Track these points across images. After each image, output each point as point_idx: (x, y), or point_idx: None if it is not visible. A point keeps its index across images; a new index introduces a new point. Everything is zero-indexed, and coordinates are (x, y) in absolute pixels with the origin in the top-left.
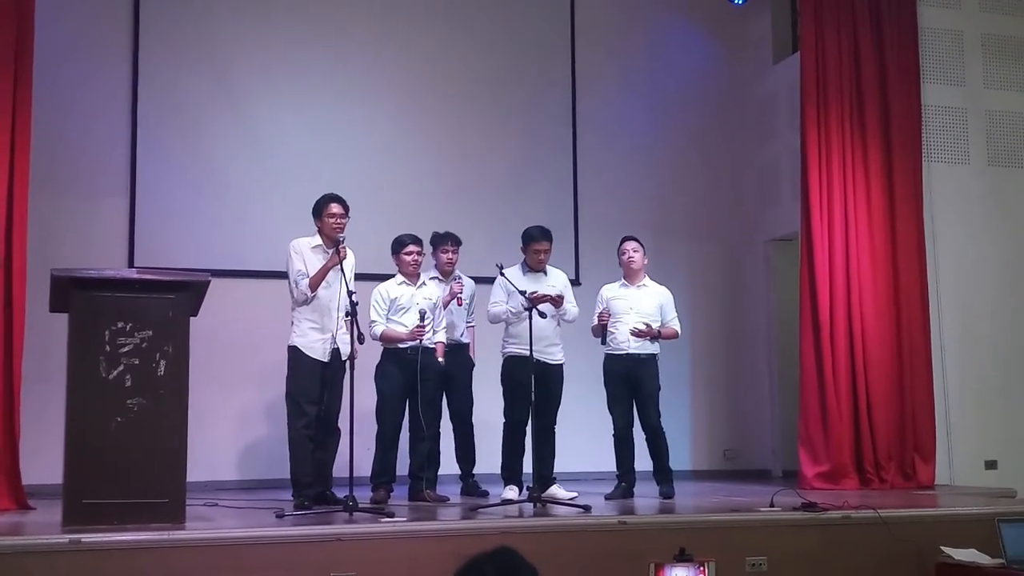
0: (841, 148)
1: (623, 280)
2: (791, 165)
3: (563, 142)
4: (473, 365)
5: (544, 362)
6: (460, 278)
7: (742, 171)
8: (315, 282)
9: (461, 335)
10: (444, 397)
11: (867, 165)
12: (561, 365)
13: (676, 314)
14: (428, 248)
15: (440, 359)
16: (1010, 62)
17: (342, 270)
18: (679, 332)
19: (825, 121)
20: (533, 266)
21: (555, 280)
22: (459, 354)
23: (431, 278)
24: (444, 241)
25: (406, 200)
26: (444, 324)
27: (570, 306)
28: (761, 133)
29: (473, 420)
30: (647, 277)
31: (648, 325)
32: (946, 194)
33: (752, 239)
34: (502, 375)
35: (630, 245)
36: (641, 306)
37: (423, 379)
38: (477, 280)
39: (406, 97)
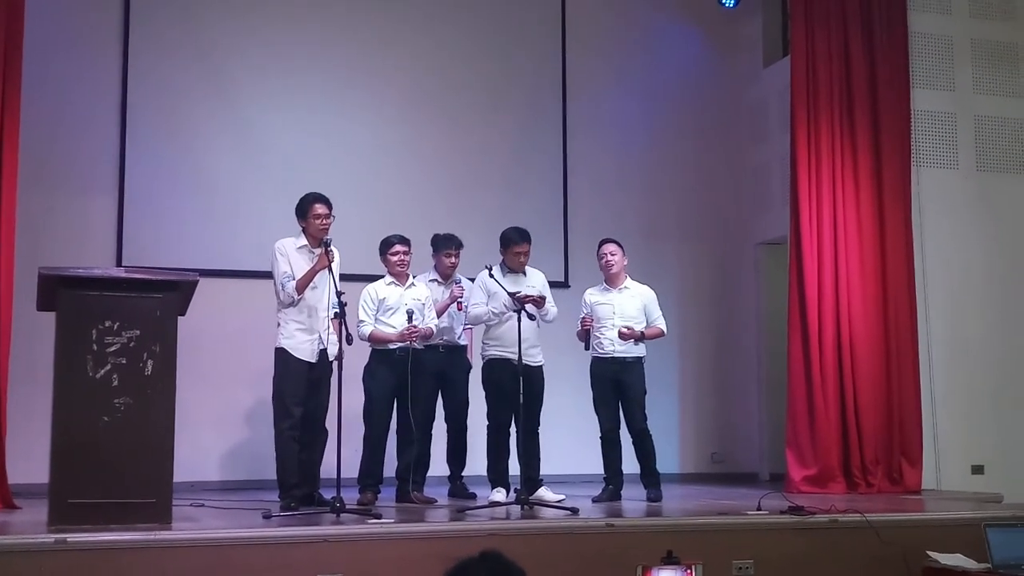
0: (831, 152)
1: (604, 284)
2: (781, 169)
3: (553, 143)
4: (470, 367)
5: (526, 364)
6: (460, 281)
7: (732, 174)
8: (302, 284)
9: (459, 337)
10: (439, 398)
11: (857, 169)
12: (542, 367)
13: (661, 313)
14: (425, 248)
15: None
16: (999, 67)
17: (330, 270)
18: (665, 331)
19: (815, 125)
20: (513, 268)
21: (534, 280)
22: (456, 355)
23: (430, 280)
24: (447, 245)
25: (397, 201)
26: (435, 322)
27: (550, 306)
28: (752, 136)
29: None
30: (628, 279)
31: (630, 328)
32: (935, 198)
33: (742, 242)
34: (483, 378)
35: (608, 248)
36: (624, 309)
37: (418, 380)
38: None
39: (396, 98)
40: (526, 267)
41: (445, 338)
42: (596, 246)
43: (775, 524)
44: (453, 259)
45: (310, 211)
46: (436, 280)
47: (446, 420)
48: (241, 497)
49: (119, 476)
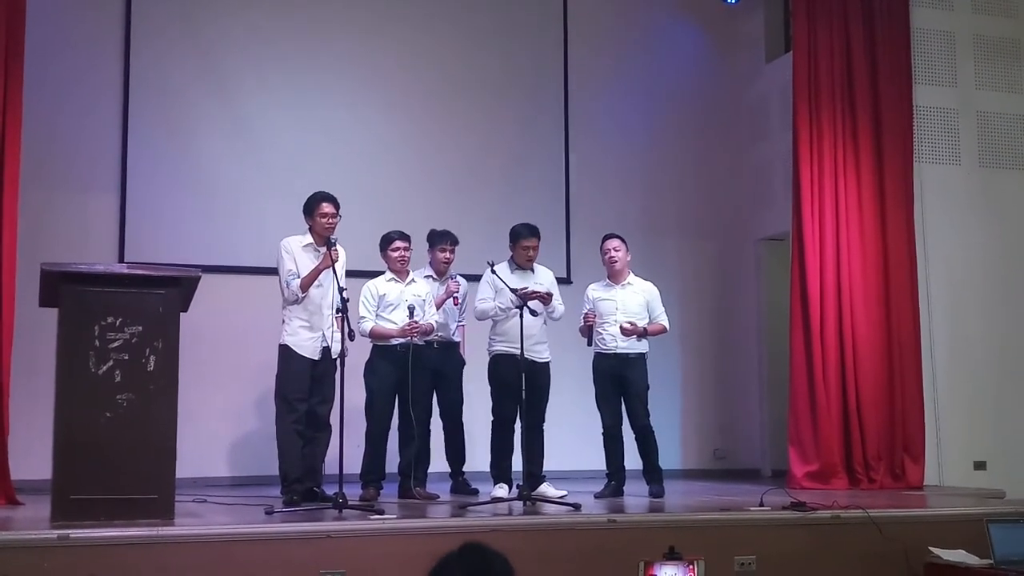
0: (833, 148)
1: (607, 280)
2: (783, 165)
3: (555, 140)
4: (464, 363)
5: (532, 360)
6: (456, 277)
7: (734, 170)
8: (306, 283)
9: (453, 333)
10: (434, 395)
11: (858, 165)
12: (548, 363)
13: (663, 309)
14: (424, 245)
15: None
16: (1001, 63)
17: (333, 270)
18: (667, 327)
19: (817, 121)
20: (521, 263)
21: (543, 278)
22: (451, 352)
23: (425, 276)
24: (442, 240)
25: (398, 198)
26: (435, 318)
27: (558, 304)
28: (754, 132)
29: (463, 419)
30: (631, 274)
31: (633, 324)
32: (937, 195)
33: (744, 238)
34: (489, 373)
35: (611, 244)
36: (627, 306)
37: (418, 376)
38: (469, 278)
39: (398, 95)
40: (535, 265)
41: (440, 335)
42: (597, 243)
43: (777, 520)
44: (448, 255)
45: (317, 210)
46: (431, 276)
47: (441, 417)
48: (244, 493)
49: (121, 472)
